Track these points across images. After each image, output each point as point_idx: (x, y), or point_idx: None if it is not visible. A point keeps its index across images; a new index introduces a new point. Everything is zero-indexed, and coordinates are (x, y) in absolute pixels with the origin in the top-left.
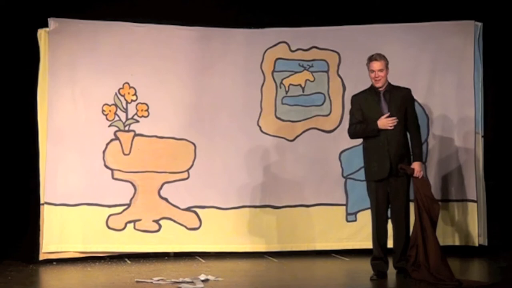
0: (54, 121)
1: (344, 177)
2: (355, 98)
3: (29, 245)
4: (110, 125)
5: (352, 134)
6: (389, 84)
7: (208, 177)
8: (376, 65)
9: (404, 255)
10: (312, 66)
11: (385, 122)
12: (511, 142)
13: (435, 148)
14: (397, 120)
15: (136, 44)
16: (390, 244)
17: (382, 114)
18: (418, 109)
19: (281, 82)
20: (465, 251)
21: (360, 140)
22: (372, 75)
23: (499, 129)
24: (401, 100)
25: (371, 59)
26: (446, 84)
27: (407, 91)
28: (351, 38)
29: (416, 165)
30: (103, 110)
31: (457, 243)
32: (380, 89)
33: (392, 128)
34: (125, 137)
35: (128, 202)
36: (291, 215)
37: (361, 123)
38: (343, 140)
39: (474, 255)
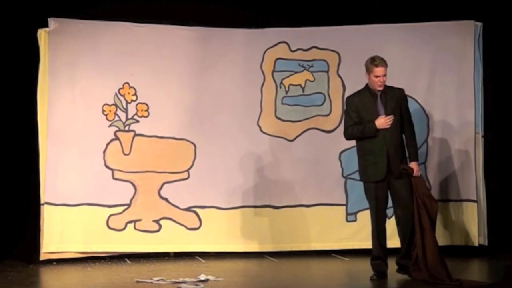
0: (54, 121)
1: (344, 177)
2: (350, 99)
3: (29, 245)
4: (110, 125)
5: (349, 136)
6: (384, 85)
7: (208, 177)
8: (382, 70)
9: (408, 252)
10: (312, 66)
11: (383, 121)
12: (511, 142)
13: (435, 148)
14: (394, 118)
15: (136, 44)
16: (390, 244)
17: (379, 115)
18: (418, 109)
19: (281, 82)
20: (465, 251)
21: None
22: (377, 79)
23: (499, 129)
24: (397, 101)
25: (376, 64)
26: (446, 84)
27: (402, 91)
28: (351, 38)
29: (414, 165)
30: (103, 110)
31: (457, 243)
32: (376, 91)
33: (389, 127)
34: (125, 137)
35: (128, 202)
36: (291, 215)
37: (357, 125)
38: (343, 140)
39: (474, 255)
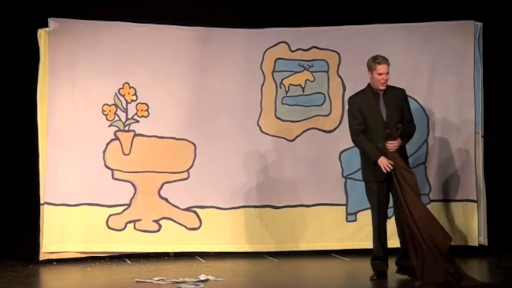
0: (54, 121)
1: (344, 177)
2: (353, 100)
3: (29, 245)
4: (110, 125)
5: (357, 144)
6: (386, 85)
7: (208, 177)
8: (384, 68)
9: (407, 253)
10: (312, 66)
11: (385, 163)
12: (511, 142)
13: (435, 148)
14: (392, 165)
15: (136, 44)
16: (390, 244)
17: (382, 116)
18: (418, 109)
19: (281, 82)
20: (465, 251)
21: None
22: (380, 77)
23: (499, 129)
24: (398, 101)
25: (378, 62)
26: (446, 84)
27: (402, 91)
28: (351, 38)
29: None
30: (103, 110)
31: (457, 243)
32: (379, 91)
33: (385, 171)
34: (125, 137)
35: (128, 202)
36: (291, 215)
37: (365, 136)
38: (343, 140)
39: (474, 255)
